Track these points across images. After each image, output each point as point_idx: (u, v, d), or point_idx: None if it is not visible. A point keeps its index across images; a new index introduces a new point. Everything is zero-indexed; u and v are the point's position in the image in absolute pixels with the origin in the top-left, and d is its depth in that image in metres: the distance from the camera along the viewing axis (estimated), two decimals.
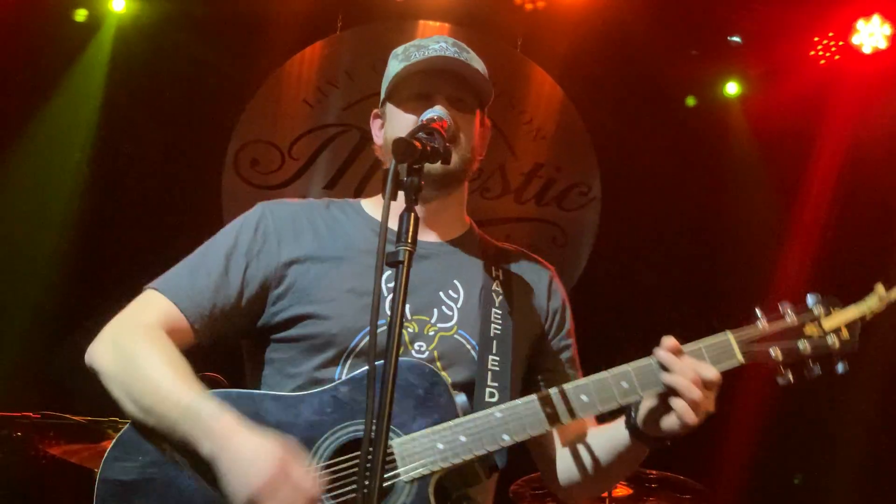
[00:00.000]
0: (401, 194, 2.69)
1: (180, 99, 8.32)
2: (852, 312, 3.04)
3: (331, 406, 3.03)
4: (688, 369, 2.90)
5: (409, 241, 2.60)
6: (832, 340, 3.00)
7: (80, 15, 8.33)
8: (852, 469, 8.10)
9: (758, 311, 3.04)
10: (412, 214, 2.64)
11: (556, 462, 3.36)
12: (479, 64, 3.39)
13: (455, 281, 3.33)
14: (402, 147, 2.70)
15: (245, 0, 8.32)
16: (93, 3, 8.32)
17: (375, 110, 3.50)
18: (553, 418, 3.01)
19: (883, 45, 8.14)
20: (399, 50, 3.43)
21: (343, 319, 3.14)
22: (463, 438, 2.98)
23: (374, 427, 2.47)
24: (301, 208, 3.40)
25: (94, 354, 3.11)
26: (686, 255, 8.79)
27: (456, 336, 3.23)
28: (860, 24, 8.15)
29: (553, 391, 3.04)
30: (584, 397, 3.01)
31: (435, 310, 3.25)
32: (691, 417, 2.87)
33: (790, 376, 3.00)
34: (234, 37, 8.43)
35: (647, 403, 3.01)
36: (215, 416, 2.90)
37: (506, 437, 3.00)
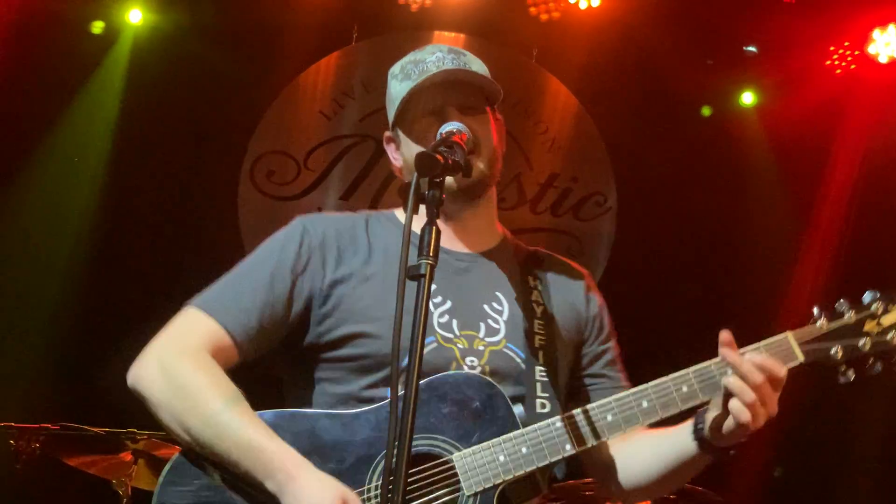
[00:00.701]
0: (422, 207, 2.69)
1: (197, 110, 8.34)
2: None
3: (382, 426, 3.00)
4: (755, 374, 2.86)
5: (431, 254, 2.60)
6: (892, 336, 2.98)
7: (97, 27, 8.36)
8: (873, 481, 8.07)
9: (815, 310, 3.02)
10: (434, 228, 2.64)
11: (617, 466, 3.31)
12: (478, 64, 3.37)
13: (497, 293, 3.31)
14: (425, 161, 2.70)
15: (261, 11, 8.34)
16: (110, 15, 8.35)
17: (387, 133, 3.46)
18: (614, 426, 3.01)
19: None
20: (396, 69, 3.40)
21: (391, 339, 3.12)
22: (524, 450, 2.98)
23: (396, 445, 2.47)
24: (342, 223, 3.36)
25: (139, 379, 3.07)
26: (703, 264, 8.77)
27: (505, 350, 3.22)
28: (876, 33, 8.14)
29: (612, 399, 3.04)
30: (644, 403, 3.01)
31: (482, 324, 3.23)
32: (746, 417, 2.85)
33: (851, 374, 2.99)
34: (251, 48, 8.46)
35: (713, 412, 2.98)
36: (279, 455, 2.91)
37: (568, 447, 3.00)
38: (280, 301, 3.16)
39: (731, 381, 2.87)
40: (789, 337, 3.00)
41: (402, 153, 3.39)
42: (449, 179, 2.87)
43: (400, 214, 3.43)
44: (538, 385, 3.17)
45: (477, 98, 3.33)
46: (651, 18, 8.23)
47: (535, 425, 3.02)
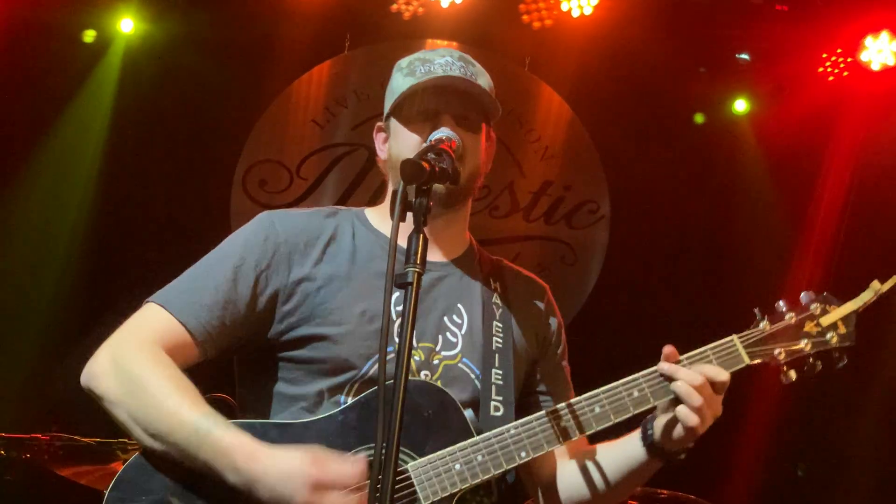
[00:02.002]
0: (409, 215, 2.67)
1: (189, 119, 8.34)
2: (848, 307, 3.12)
3: (339, 432, 2.99)
4: (691, 375, 2.95)
5: (419, 262, 2.58)
6: (831, 336, 3.08)
7: (89, 36, 8.37)
8: (866, 487, 8.06)
9: (757, 312, 3.11)
10: (421, 236, 2.62)
11: (558, 481, 3.32)
12: (485, 79, 3.36)
13: (459, 305, 3.30)
14: (410, 168, 2.68)
15: (253, 21, 8.34)
16: (101, 24, 8.35)
17: (379, 123, 3.44)
18: (568, 431, 3.02)
19: (891, 61, 8.10)
20: (403, 63, 3.38)
21: (354, 345, 3.08)
22: (480, 458, 2.97)
23: (384, 451, 2.44)
24: (310, 220, 3.30)
25: (92, 377, 3.01)
26: (696, 272, 8.77)
27: (460, 365, 3.21)
28: (868, 40, 8.13)
29: (563, 405, 3.04)
30: (597, 408, 3.02)
31: (440, 336, 3.22)
32: (694, 421, 2.90)
33: (793, 375, 3.06)
34: (243, 57, 8.45)
35: (663, 417, 3.02)
36: (237, 440, 2.86)
37: (523, 453, 2.99)
38: (243, 298, 3.11)
39: (679, 385, 2.94)
40: (735, 340, 3.07)
41: (389, 147, 3.36)
42: (438, 185, 2.84)
43: (370, 214, 3.39)
44: (493, 388, 3.18)
45: (475, 111, 3.31)
46: (644, 26, 8.23)
47: (490, 433, 3.01)
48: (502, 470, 2.99)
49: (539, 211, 8.95)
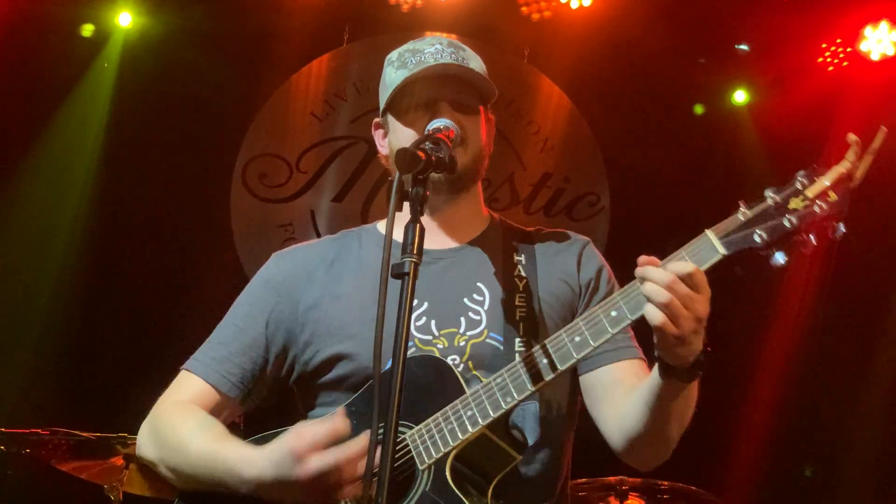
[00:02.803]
0: (406, 205, 2.67)
1: (187, 113, 8.32)
2: (834, 171, 2.77)
3: (357, 420, 2.97)
4: (662, 274, 2.69)
5: (415, 252, 2.58)
6: (819, 206, 2.71)
7: (87, 30, 8.35)
8: (868, 481, 8.06)
9: (741, 203, 2.80)
10: (417, 225, 2.61)
11: (617, 423, 3.16)
12: (476, 62, 3.35)
13: (478, 283, 3.28)
14: (406, 158, 2.69)
15: (251, 14, 8.33)
16: (99, 18, 8.33)
17: (376, 120, 3.46)
18: (551, 365, 2.88)
19: (891, 51, 8.11)
20: (393, 56, 3.38)
21: (370, 353, 3.07)
22: (469, 412, 2.94)
23: (380, 436, 2.47)
24: (311, 249, 3.42)
25: (139, 447, 3.23)
26: None
27: (487, 340, 3.18)
28: (868, 30, 8.13)
29: (546, 341, 2.91)
30: (576, 337, 2.85)
31: (462, 318, 3.21)
32: (659, 319, 2.65)
33: (781, 257, 2.75)
34: (241, 51, 8.43)
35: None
36: (232, 449, 2.96)
37: (508, 398, 2.90)
38: (258, 342, 3.25)
39: (644, 286, 2.69)
40: (708, 234, 2.80)
41: (389, 141, 3.38)
42: (434, 175, 2.83)
43: (381, 226, 3.45)
44: (517, 356, 3.08)
45: (471, 95, 3.32)
46: (643, 17, 8.22)
47: (478, 385, 2.97)
48: (490, 418, 2.91)
49: (539, 203, 8.94)
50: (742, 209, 2.78)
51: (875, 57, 8.13)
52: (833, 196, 2.71)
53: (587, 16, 8.35)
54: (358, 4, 8.57)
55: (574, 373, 3.28)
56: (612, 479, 5.98)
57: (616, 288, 3.39)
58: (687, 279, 2.68)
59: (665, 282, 2.66)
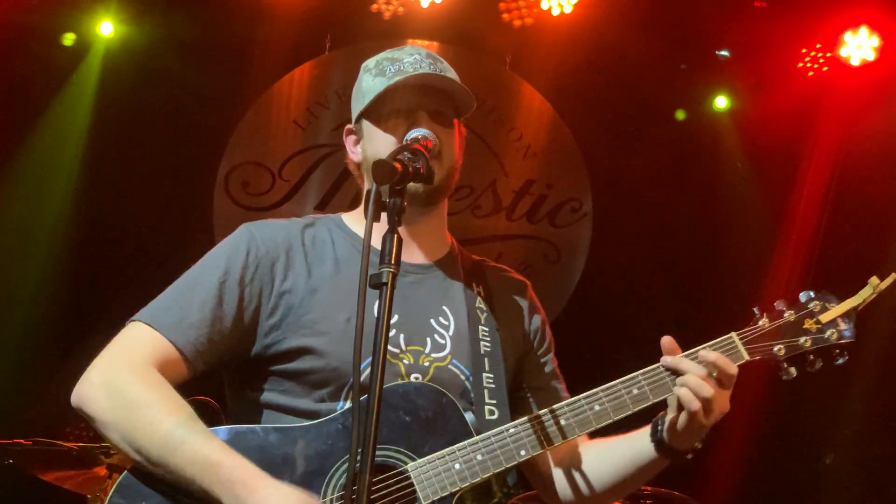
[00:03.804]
0: (384, 216, 2.68)
1: (169, 122, 8.32)
2: (847, 304, 3.13)
3: (338, 436, 3.00)
4: (698, 366, 2.95)
5: (393, 262, 2.59)
6: (830, 333, 3.08)
7: (69, 39, 8.33)
8: (853, 483, 8.09)
9: (756, 311, 3.12)
10: (395, 236, 2.62)
11: (564, 476, 3.30)
12: (453, 74, 3.34)
13: (444, 307, 3.30)
14: (383, 169, 2.69)
15: (233, 23, 8.32)
16: (81, 27, 8.31)
17: (349, 126, 3.43)
18: (568, 429, 3.03)
19: (870, 56, 8.14)
20: (370, 63, 3.37)
21: (342, 353, 3.07)
22: (479, 457, 2.98)
23: (359, 457, 2.46)
24: (290, 230, 3.30)
25: (84, 398, 2.98)
26: (679, 267, 8.79)
27: (450, 366, 3.21)
28: (847, 35, 8.16)
29: (564, 404, 3.06)
30: (596, 406, 3.03)
31: (428, 339, 3.22)
32: (699, 411, 2.89)
33: (793, 371, 3.07)
34: (223, 59, 8.43)
35: (671, 414, 3.00)
36: (238, 468, 2.86)
37: (523, 452, 3.01)
38: (229, 314, 3.10)
39: (688, 377, 2.92)
40: (734, 337, 3.07)
41: (364, 148, 3.36)
42: (413, 185, 2.86)
43: (348, 220, 3.40)
44: (486, 392, 3.18)
45: (448, 106, 3.31)
46: (624, 24, 8.24)
47: (489, 432, 3.02)
48: (502, 468, 2.99)
49: (522, 209, 8.95)
50: (763, 319, 3.11)
51: (855, 62, 8.16)
52: (842, 325, 3.11)
53: (568, 22, 8.36)
54: (340, 12, 8.56)
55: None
56: None
57: (550, 339, 3.53)
58: (725, 379, 2.96)
59: (704, 374, 2.94)
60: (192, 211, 8.52)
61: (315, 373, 3.09)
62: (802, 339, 3.07)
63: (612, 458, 3.21)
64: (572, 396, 3.14)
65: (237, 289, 3.12)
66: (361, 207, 3.31)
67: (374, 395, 2.44)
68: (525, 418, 3.05)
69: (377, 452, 2.86)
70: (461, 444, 2.99)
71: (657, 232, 8.78)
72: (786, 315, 3.11)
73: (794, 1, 8.14)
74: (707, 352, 2.99)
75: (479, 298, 3.35)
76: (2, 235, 8.09)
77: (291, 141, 8.79)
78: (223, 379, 3.30)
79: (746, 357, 3.05)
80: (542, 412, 3.06)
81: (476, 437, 3.01)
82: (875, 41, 8.13)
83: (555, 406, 3.06)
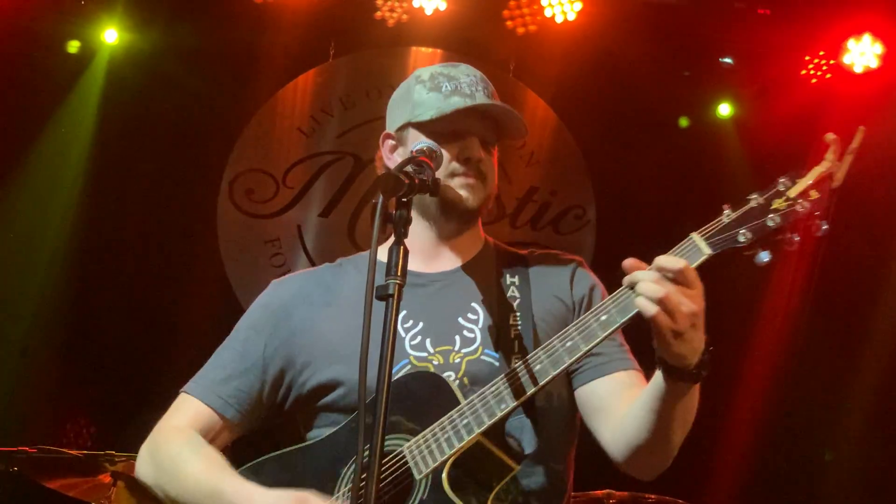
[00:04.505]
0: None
1: (174, 129, 8.33)
2: (816, 171, 2.85)
3: (347, 437, 3.10)
4: (649, 273, 2.76)
5: (399, 274, 2.61)
6: (802, 204, 2.79)
7: (73, 47, 8.36)
8: (854, 489, 8.09)
9: (724, 207, 2.88)
10: (402, 248, 2.65)
11: (617, 434, 3.15)
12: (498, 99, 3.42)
13: (472, 304, 3.31)
14: (388, 182, 2.72)
15: (237, 30, 8.34)
16: (85, 34, 8.34)
17: (388, 132, 3.44)
18: (543, 372, 2.92)
19: (874, 64, 8.14)
20: (424, 75, 3.39)
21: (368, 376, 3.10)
22: (464, 421, 2.96)
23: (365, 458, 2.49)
24: (309, 275, 3.48)
25: (138, 470, 3.31)
26: None
27: (482, 357, 3.21)
28: (851, 43, 8.16)
29: (540, 349, 2.96)
30: (568, 343, 2.91)
31: (457, 337, 3.24)
32: (663, 318, 2.69)
33: (766, 255, 2.79)
34: (227, 66, 8.45)
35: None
36: (231, 489, 3.03)
37: (503, 405, 2.93)
38: (256, 366, 3.29)
39: (639, 285, 2.74)
40: (694, 236, 2.88)
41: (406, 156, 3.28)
42: (420, 196, 2.94)
43: (381, 247, 3.37)
44: None
45: (494, 134, 3.39)
46: (627, 31, 8.25)
47: (472, 396, 2.99)
48: (486, 425, 2.93)
49: (525, 217, 8.95)
50: (726, 212, 2.86)
51: (858, 69, 8.16)
52: (814, 194, 2.78)
53: (572, 30, 8.37)
54: (343, 20, 8.57)
55: (570, 386, 3.30)
56: (599, 493, 6.00)
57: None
58: (679, 275, 2.73)
59: (656, 277, 2.73)
60: (196, 218, 8.53)
61: (345, 397, 3.20)
62: (770, 219, 2.78)
63: (642, 399, 3.00)
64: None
65: (260, 341, 3.33)
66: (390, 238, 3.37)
67: (380, 408, 2.48)
68: (503, 374, 2.99)
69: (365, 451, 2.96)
70: (450, 413, 2.98)
71: (661, 239, 8.74)
72: (752, 201, 2.84)
73: (797, 8, 8.13)
74: (659, 257, 2.80)
75: (512, 287, 3.36)
76: (6, 243, 8.10)
77: (295, 148, 8.80)
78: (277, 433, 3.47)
79: (707, 251, 2.83)
80: (518, 362, 2.99)
81: (462, 403, 2.98)
82: (878, 48, 8.13)
83: (531, 353, 2.97)
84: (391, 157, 3.42)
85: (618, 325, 2.85)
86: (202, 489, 3.07)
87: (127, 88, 8.28)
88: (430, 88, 3.33)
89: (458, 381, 3.13)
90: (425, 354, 3.18)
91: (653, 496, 6.06)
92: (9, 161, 8.15)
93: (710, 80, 8.81)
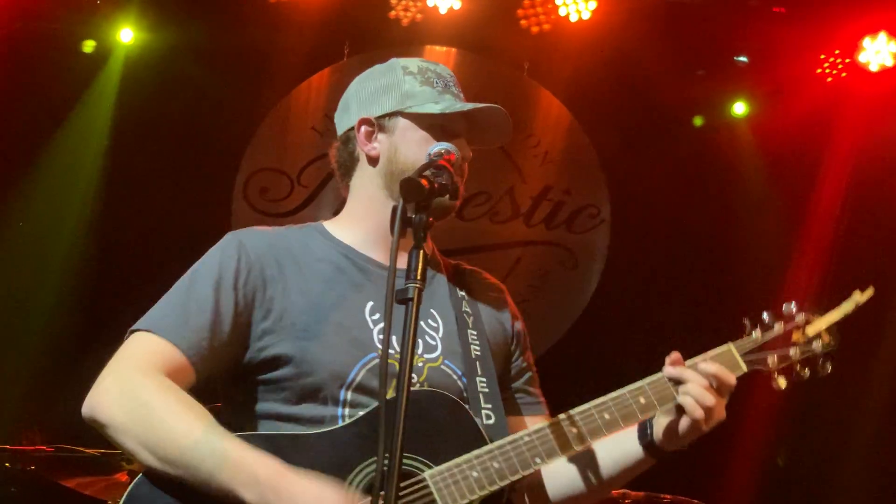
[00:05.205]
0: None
1: (189, 128, 8.35)
2: (830, 317, 3.27)
3: (353, 443, 2.98)
4: (700, 377, 3.03)
5: (419, 278, 2.60)
6: (816, 345, 3.22)
7: (89, 46, 8.39)
8: (869, 488, 8.07)
9: (746, 322, 3.23)
10: (421, 252, 2.64)
11: (547, 478, 3.31)
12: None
13: (431, 309, 3.30)
14: (410, 187, 2.71)
15: (252, 30, 8.36)
16: (101, 34, 8.37)
17: (369, 117, 3.36)
18: (580, 437, 3.06)
19: (889, 62, 8.13)
20: (412, 67, 3.35)
21: (335, 357, 3.07)
22: (496, 464, 2.98)
23: (385, 464, 2.47)
24: (277, 237, 3.28)
25: (97, 406, 2.94)
26: (695, 274, 8.78)
27: (442, 367, 3.21)
28: (866, 41, 8.15)
29: (576, 412, 3.08)
30: (606, 415, 3.07)
31: (420, 341, 3.20)
32: (701, 423, 2.99)
33: (783, 382, 3.19)
34: (242, 66, 8.47)
35: (664, 419, 3.07)
36: (259, 463, 2.83)
37: (538, 459, 3.02)
38: (226, 318, 3.06)
39: (690, 386, 3.01)
40: (732, 349, 3.18)
41: (395, 144, 3.28)
42: (450, 203, 2.96)
43: (331, 227, 3.36)
44: (481, 397, 3.19)
45: (472, 137, 3.34)
46: (642, 30, 8.24)
47: (504, 440, 3.03)
48: (518, 476, 3.00)
49: (540, 216, 8.96)
50: (756, 331, 3.23)
51: (874, 68, 8.15)
52: (826, 337, 3.25)
53: (586, 29, 8.37)
54: (358, 19, 8.59)
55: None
56: (614, 492, 5.99)
57: (527, 340, 3.56)
58: (724, 388, 3.06)
59: (706, 384, 3.03)
60: (210, 217, 8.54)
61: (310, 376, 3.06)
62: (791, 351, 3.19)
63: (600, 458, 3.24)
64: (584, 400, 3.14)
65: (231, 293, 3.09)
66: (346, 216, 3.37)
67: (400, 411, 2.48)
68: (538, 425, 3.07)
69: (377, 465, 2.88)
70: (478, 451, 2.99)
71: (675, 238, 8.77)
72: (775, 328, 3.21)
73: (812, 7, 8.12)
74: (708, 363, 3.07)
75: (464, 302, 3.36)
76: (23, 241, 8.14)
77: (309, 147, 8.82)
78: (221, 391, 3.27)
79: (744, 368, 3.15)
80: (554, 421, 3.08)
81: (492, 445, 3.02)
82: (894, 47, 8.11)
83: (567, 413, 3.09)
84: (368, 144, 3.33)
85: (655, 412, 3.10)
86: (206, 450, 2.83)
87: (142, 88, 8.31)
88: (422, 82, 3.30)
89: (418, 385, 3.14)
90: (392, 352, 3.07)
91: (668, 496, 6.06)
92: (25, 160, 8.19)
93: (725, 78, 8.81)
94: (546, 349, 7.98)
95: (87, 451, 5.77)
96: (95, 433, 2.99)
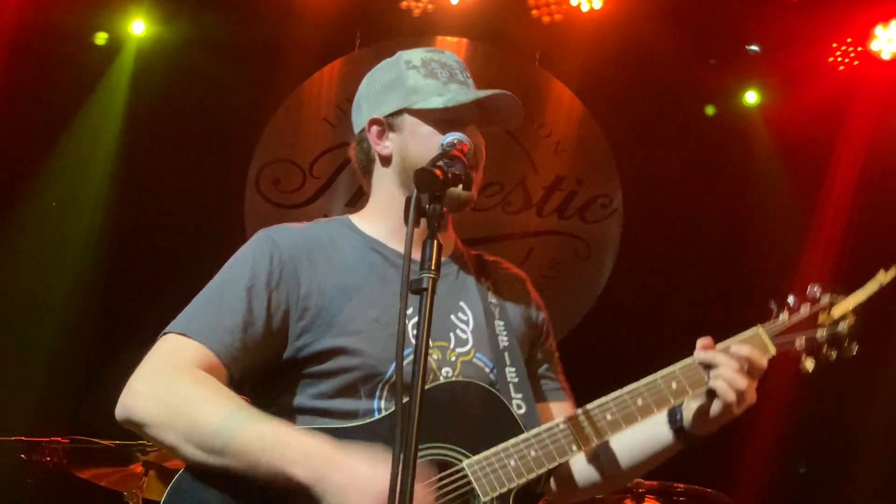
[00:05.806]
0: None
1: (201, 120, 8.36)
2: (855, 297, 3.29)
3: (392, 435, 2.96)
4: (732, 360, 3.04)
5: (434, 268, 2.59)
6: (843, 326, 3.24)
7: (101, 38, 8.40)
8: (881, 481, 8.06)
9: (773, 305, 3.26)
10: (435, 241, 2.63)
11: (572, 465, 3.36)
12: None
13: (461, 303, 3.32)
14: (424, 177, 2.70)
15: (264, 21, 8.37)
16: (113, 26, 8.39)
17: (379, 117, 3.35)
18: (615, 424, 3.09)
19: None
20: (415, 60, 3.34)
21: (374, 352, 3.08)
22: (533, 453, 3.02)
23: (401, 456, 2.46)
24: (308, 233, 3.28)
25: (132, 407, 2.92)
26: (709, 264, 8.77)
27: (474, 360, 3.25)
28: (879, 29, 8.13)
29: (609, 398, 3.11)
30: (639, 401, 3.10)
31: (451, 334, 3.25)
32: (734, 406, 3.03)
33: (810, 364, 3.21)
34: (254, 57, 8.48)
35: (695, 403, 3.11)
36: (309, 440, 2.84)
37: (574, 447, 3.06)
38: (259, 319, 3.06)
39: (723, 370, 3.03)
40: (760, 332, 3.20)
41: (405, 141, 3.29)
42: (465, 194, 2.98)
43: (357, 221, 3.38)
44: (511, 387, 3.23)
45: (484, 122, 3.34)
46: (653, 19, 8.24)
47: (540, 428, 3.07)
48: (556, 464, 3.05)
49: (552, 206, 8.96)
50: (783, 313, 3.26)
51: (886, 56, 8.13)
52: (851, 318, 3.27)
53: (598, 18, 8.37)
54: (369, 10, 8.59)
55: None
56: None
57: (551, 328, 3.62)
58: (755, 371, 3.09)
59: (738, 367, 3.05)
60: (223, 208, 8.57)
61: (349, 371, 3.07)
62: (818, 333, 3.22)
63: (630, 444, 3.28)
64: (603, 391, 3.15)
65: (265, 293, 3.08)
66: (370, 209, 3.39)
67: (415, 399, 2.47)
68: (573, 414, 3.10)
69: (431, 450, 2.98)
70: (514, 440, 3.03)
71: (687, 227, 8.76)
72: (801, 310, 3.25)
73: None
74: (739, 346, 3.08)
75: (490, 293, 3.39)
76: (37, 235, 8.17)
77: (322, 138, 8.83)
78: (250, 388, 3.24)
79: (773, 351, 3.17)
80: (588, 407, 3.11)
81: (527, 434, 3.05)
82: None
83: (600, 401, 3.11)
84: (385, 145, 3.34)
85: (688, 396, 3.13)
86: (250, 434, 2.81)
87: (154, 80, 8.33)
88: (426, 74, 3.29)
89: (453, 380, 3.17)
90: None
91: (682, 485, 6.06)
92: (38, 153, 8.22)
93: (737, 67, 8.79)
94: (559, 339, 7.96)
95: (102, 442, 5.78)
96: (112, 425, 2.99)
